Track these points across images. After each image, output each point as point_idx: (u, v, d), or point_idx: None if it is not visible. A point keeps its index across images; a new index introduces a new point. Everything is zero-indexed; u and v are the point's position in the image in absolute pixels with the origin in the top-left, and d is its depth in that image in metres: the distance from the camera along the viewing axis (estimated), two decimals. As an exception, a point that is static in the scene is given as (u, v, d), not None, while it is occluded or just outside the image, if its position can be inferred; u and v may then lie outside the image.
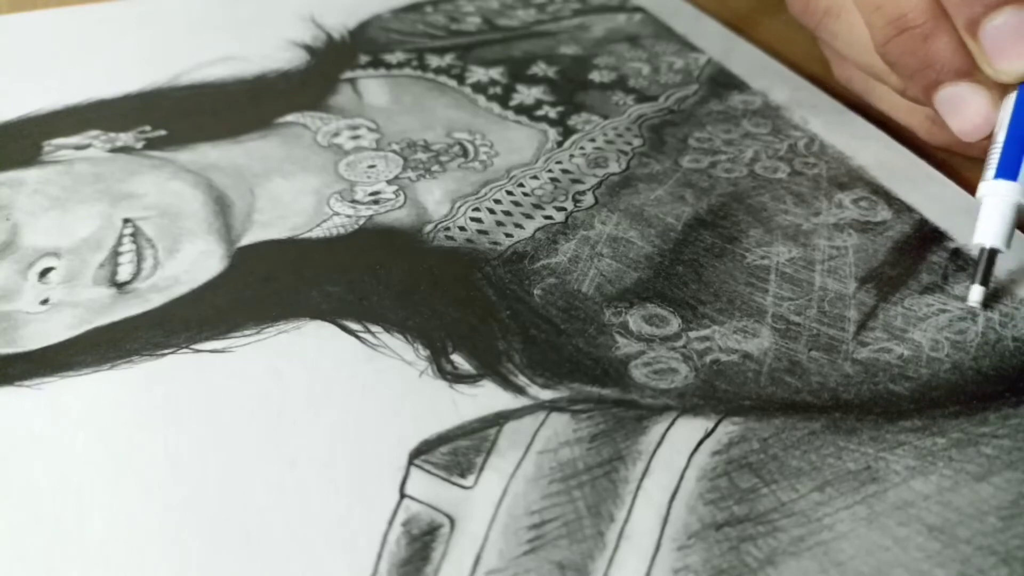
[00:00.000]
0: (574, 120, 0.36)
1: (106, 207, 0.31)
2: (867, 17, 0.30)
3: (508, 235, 0.30)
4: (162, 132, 0.35)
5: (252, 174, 0.33)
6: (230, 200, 0.31)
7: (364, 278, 0.28)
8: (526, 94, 0.38)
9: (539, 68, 0.40)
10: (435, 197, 0.32)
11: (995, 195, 0.27)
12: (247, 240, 0.30)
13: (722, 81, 0.39)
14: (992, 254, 0.27)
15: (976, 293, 0.27)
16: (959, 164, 0.33)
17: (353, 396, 0.24)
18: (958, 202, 0.31)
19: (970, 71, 0.29)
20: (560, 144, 0.35)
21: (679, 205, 0.31)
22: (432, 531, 0.21)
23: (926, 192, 0.31)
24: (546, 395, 0.24)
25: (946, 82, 0.29)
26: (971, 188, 0.31)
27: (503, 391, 0.24)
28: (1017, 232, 0.29)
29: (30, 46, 0.41)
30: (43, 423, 0.23)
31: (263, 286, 0.28)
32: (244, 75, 0.39)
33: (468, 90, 0.38)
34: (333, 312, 0.27)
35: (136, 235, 0.30)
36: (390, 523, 0.21)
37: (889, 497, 0.22)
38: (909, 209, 0.31)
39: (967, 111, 0.29)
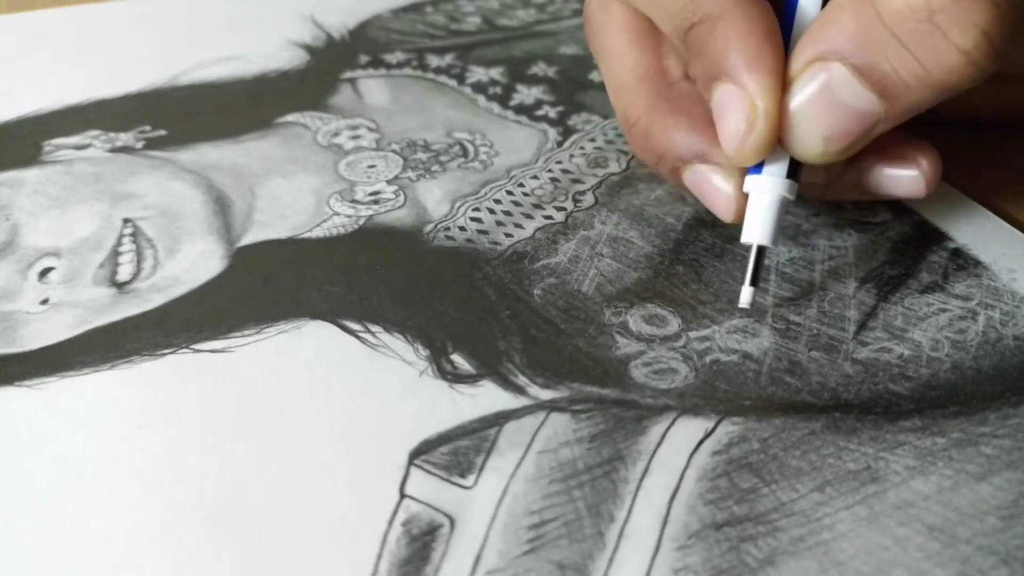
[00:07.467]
0: (574, 120, 0.36)
1: (106, 207, 0.31)
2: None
3: (508, 235, 0.30)
4: (162, 132, 0.35)
5: (252, 174, 0.33)
6: (230, 200, 0.31)
7: (364, 278, 0.28)
8: (526, 94, 0.38)
9: (539, 68, 0.40)
10: (435, 197, 0.32)
11: (760, 190, 0.25)
12: (247, 240, 0.30)
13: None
14: (761, 252, 0.25)
15: (746, 295, 0.26)
16: (956, 166, 0.33)
17: (353, 396, 0.24)
18: (957, 203, 0.31)
19: (703, 152, 0.27)
20: (560, 144, 0.35)
21: (679, 205, 0.31)
22: (432, 531, 0.21)
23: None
24: (546, 395, 0.24)
25: (684, 166, 0.27)
26: (969, 190, 0.32)
27: (503, 391, 0.24)
28: (1011, 227, 0.29)
29: (30, 46, 0.41)
30: (43, 423, 0.23)
31: (263, 286, 0.28)
32: (244, 75, 0.39)
33: (468, 90, 0.38)
34: (333, 312, 0.27)
35: (136, 235, 0.30)
36: (390, 523, 0.21)
37: (889, 497, 0.22)
38: (909, 209, 0.31)
39: (712, 194, 0.27)
